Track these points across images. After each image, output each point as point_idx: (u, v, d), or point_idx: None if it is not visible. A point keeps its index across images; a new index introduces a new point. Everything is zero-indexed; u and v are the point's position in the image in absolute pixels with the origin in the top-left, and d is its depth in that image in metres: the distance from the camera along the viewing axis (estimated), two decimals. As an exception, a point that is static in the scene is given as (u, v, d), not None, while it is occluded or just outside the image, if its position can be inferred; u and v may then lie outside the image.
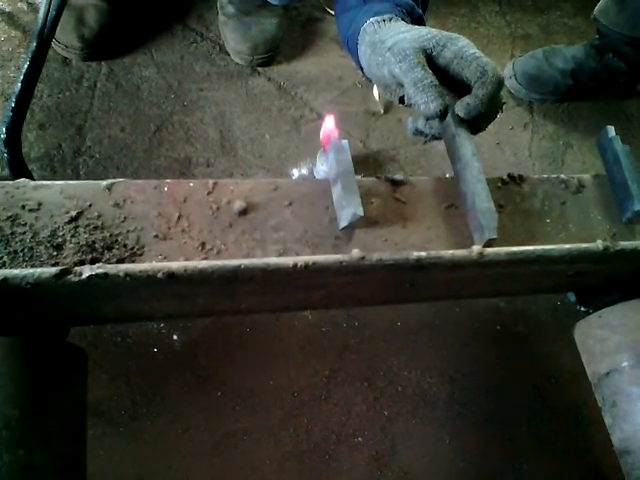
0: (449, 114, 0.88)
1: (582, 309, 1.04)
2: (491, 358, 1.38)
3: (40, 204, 0.74)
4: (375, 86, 1.62)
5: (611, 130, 0.96)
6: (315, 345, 1.31)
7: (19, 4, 1.51)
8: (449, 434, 1.29)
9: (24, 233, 0.72)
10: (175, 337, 1.25)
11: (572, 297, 1.06)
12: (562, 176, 0.96)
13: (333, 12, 1.74)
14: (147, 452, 1.16)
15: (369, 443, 1.25)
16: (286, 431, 1.23)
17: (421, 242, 0.84)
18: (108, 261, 0.72)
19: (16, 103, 0.91)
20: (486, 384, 1.35)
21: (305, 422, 1.24)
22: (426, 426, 1.29)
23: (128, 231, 0.76)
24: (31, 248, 0.71)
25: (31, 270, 0.62)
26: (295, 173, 1.48)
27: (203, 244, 0.77)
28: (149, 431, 1.18)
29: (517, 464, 1.29)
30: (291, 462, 1.21)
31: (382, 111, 1.63)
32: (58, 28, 1.42)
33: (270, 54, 1.60)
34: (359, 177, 0.85)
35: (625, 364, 0.89)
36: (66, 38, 1.43)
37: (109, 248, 0.74)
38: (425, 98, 0.78)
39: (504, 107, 0.87)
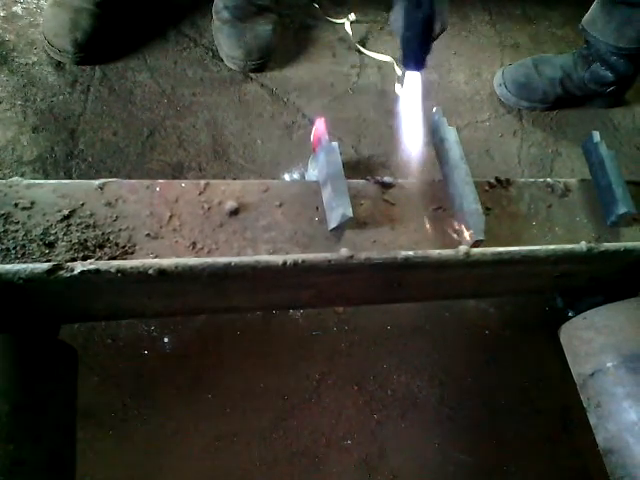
0: (438, 118, 0.90)
1: (570, 314, 1.05)
2: (480, 362, 1.39)
3: (33, 203, 0.75)
4: (397, 85, 1.65)
5: (596, 135, 0.98)
6: (305, 348, 1.32)
7: (14, 8, 1.52)
8: (438, 437, 1.30)
9: (16, 231, 0.73)
10: (166, 340, 1.25)
11: (560, 302, 1.08)
12: (548, 180, 0.98)
13: (333, 19, 1.77)
14: (137, 454, 1.16)
15: (359, 446, 1.26)
16: (276, 434, 1.23)
17: (409, 243, 0.85)
18: (100, 259, 0.73)
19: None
20: (475, 388, 1.36)
21: (295, 425, 1.24)
22: (415, 429, 1.30)
23: (120, 230, 0.77)
24: (23, 246, 0.72)
25: (24, 265, 0.63)
26: (287, 178, 1.50)
27: (194, 243, 0.78)
28: (139, 433, 1.18)
29: (506, 467, 1.30)
30: (281, 465, 1.21)
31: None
32: (52, 32, 1.44)
33: (263, 60, 1.62)
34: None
35: (609, 364, 0.90)
36: (60, 42, 1.44)
37: (101, 246, 0.75)
38: None
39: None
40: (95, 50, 1.50)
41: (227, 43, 1.58)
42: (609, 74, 1.65)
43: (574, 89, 1.74)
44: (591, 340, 0.94)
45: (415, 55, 0.89)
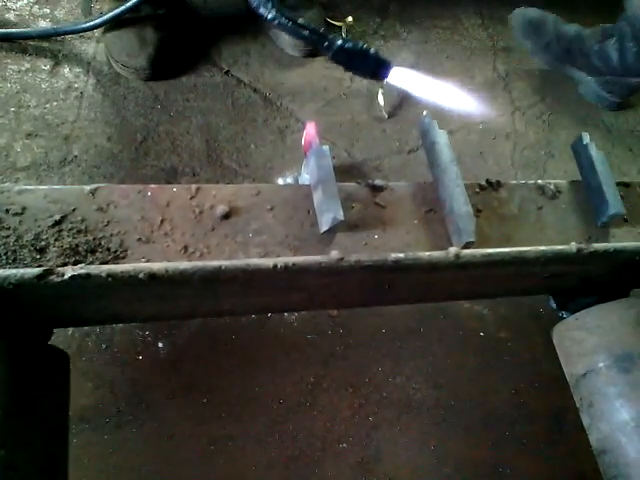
0: (428, 122, 0.91)
1: (564, 315, 1.06)
2: (475, 364, 1.40)
3: (24, 208, 0.75)
4: (380, 91, 1.66)
5: (586, 136, 0.99)
6: (300, 352, 1.32)
7: (7, 15, 1.53)
8: (434, 440, 1.30)
9: (7, 237, 0.73)
10: (160, 344, 1.25)
11: (554, 304, 1.08)
12: (539, 182, 0.99)
13: (332, 21, 1.79)
14: (132, 460, 1.16)
15: (354, 449, 1.26)
16: (271, 437, 1.23)
17: (400, 246, 0.86)
18: (91, 264, 0.73)
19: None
20: (470, 390, 1.36)
21: (290, 429, 1.24)
22: (411, 432, 1.30)
23: (111, 235, 0.77)
24: (14, 251, 0.72)
25: (14, 270, 0.63)
26: (280, 182, 1.50)
27: (186, 247, 0.78)
28: (134, 439, 1.17)
29: (501, 469, 1.30)
30: (276, 468, 1.21)
31: (386, 116, 1.66)
32: (124, 53, 1.47)
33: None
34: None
35: (601, 365, 0.90)
36: (134, 61, 1.49)
37: (92, 251, 0.75)
38: None
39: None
40: (165, 64, 1.54)
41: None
42: (615, 56, 1.65)
43: (578, 55, 1.75)
44: (583, 340, 0.94)
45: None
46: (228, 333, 1.29)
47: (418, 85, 0.83)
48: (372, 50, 0.75)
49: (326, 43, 0.74)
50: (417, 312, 1.42)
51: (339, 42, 0.73)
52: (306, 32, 0.75)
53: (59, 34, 1.50)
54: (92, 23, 1.45)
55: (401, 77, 0.80)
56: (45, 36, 1.50)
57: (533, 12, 1.80)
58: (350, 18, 1.79)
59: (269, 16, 0.74)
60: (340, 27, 1.79)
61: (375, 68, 0.76)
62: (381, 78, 0.77)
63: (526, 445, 1.33)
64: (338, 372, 1.31)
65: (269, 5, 0.72)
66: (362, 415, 1.29)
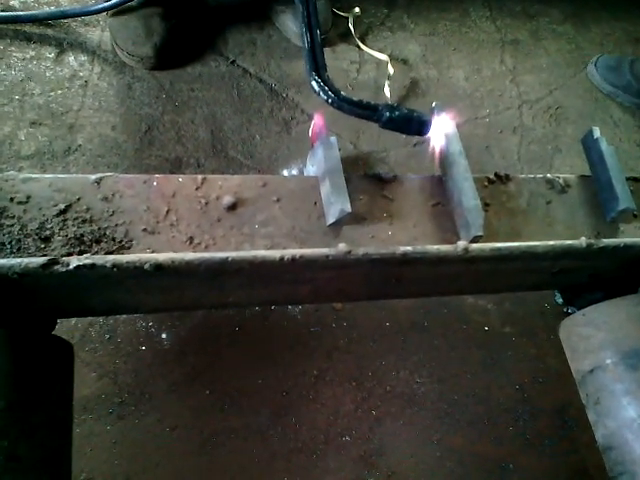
0: (437, 113, 0.90)
1: (570, 310, 1.05)
2: (479, 359, 1.39)
3: (29, 197, 0.75)
4: (387, 83, 1.66)
5: (596, 131, 0.98)
6: (304, 345, 1.31)
7: (11, 2, 1.51)
8: (437, 434, 1.30)
9: (12, 225, 0.72)
10: (164, 336, 1.24)
11: (559, 299, 1.07)
12: (548, 176, 0.98)
13: (339, 12, 1.77)
14: (134, 451, 1.16)
15: (357, 443, 1.25)
16: (274, 430, 1.23)
17: (407, 239, 0.85)
18: (96, 254, 0.72)
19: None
20: (473, 385, 1.36)
21: (293, 421, 1.24)
22: (414, 426, 1.29)
23: (117, 225, 0.76)
24: (19, 240, 0.72)
25: (18, 260, 0.62)
26: (285, 174, 1.49)
27: (191, 238, 0.78)
28: (137, 430, 1.17)
29: (504, 464, 1.30)
30: (279, 461, 1.21)
31: None
32: (129, 41, 1.46)
33: (325, 35, 1.71)
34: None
35: (609, 361, 0.90)
36: (140, 50, 1.47)
37: (97, 241, 0.74)
38: None
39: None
40: (170, 53, 1.53)
41: (295, 23, 1.63)
42: None
43: None
44: (590, 337, 0.93)
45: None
46: (231, 325, 1.28)
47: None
48: (415, 113, 0.87)
49: (375, 117, 0.88)
50: (421, 306, 1.41)
51: (387, 114, 0.86)
52: (361, 110, 0.88)
53: (66, 16, 1.48)
54: (100, 6, 1.43)
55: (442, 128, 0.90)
56: (52, 18, 1.48)
57: (611, 58, 1.89)
58: (357, 9, 1.78)
59: (330, 100, 0.87)
60: (347, 18, 1.77)
61: (418, 127, 0.87)
62: (424, 134, 0.88)
63: (529, 440, 1.33)
64: (341, 365, 1.31)
65: (329, 92, 0.87)
66: (365, 409, 1.29)
